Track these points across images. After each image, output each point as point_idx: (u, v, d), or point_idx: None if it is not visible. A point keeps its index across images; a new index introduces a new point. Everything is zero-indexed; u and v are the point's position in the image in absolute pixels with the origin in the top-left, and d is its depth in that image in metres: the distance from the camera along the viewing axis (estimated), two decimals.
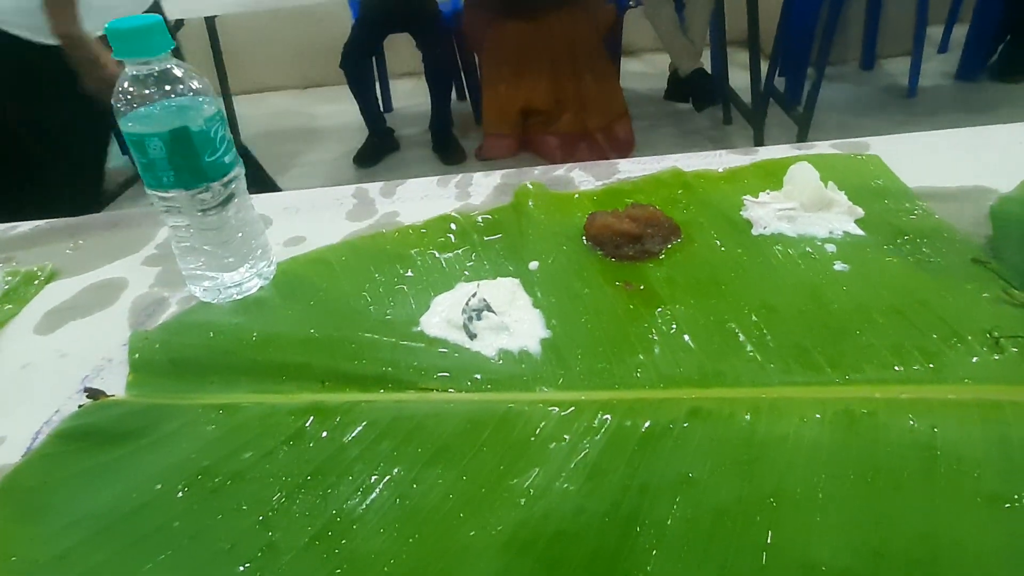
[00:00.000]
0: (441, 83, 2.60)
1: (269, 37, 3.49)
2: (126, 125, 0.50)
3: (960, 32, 2.78)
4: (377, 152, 2.65)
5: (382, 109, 2.79)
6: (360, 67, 2.56)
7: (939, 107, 2.55)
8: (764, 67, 2.40)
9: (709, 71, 2.57)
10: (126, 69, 0.50)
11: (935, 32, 2.89)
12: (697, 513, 0.35)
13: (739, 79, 2.51)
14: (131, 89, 0.50)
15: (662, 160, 0.70)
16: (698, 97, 2.58)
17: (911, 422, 0.38)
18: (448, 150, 2.60)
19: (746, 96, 2.39)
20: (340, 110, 3.07)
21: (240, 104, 2.92)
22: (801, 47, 2.57)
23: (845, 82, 2.86)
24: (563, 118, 2.46)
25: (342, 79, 2.56)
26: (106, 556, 0.36)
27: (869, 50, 2.96)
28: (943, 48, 2.98)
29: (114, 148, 2.75)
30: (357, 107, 2.61)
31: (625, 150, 2.43)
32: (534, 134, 2.51)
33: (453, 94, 2.80)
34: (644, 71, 3.21)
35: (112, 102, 0.50)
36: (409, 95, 3.21)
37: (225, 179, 0.53)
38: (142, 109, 0.50)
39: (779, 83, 2.63)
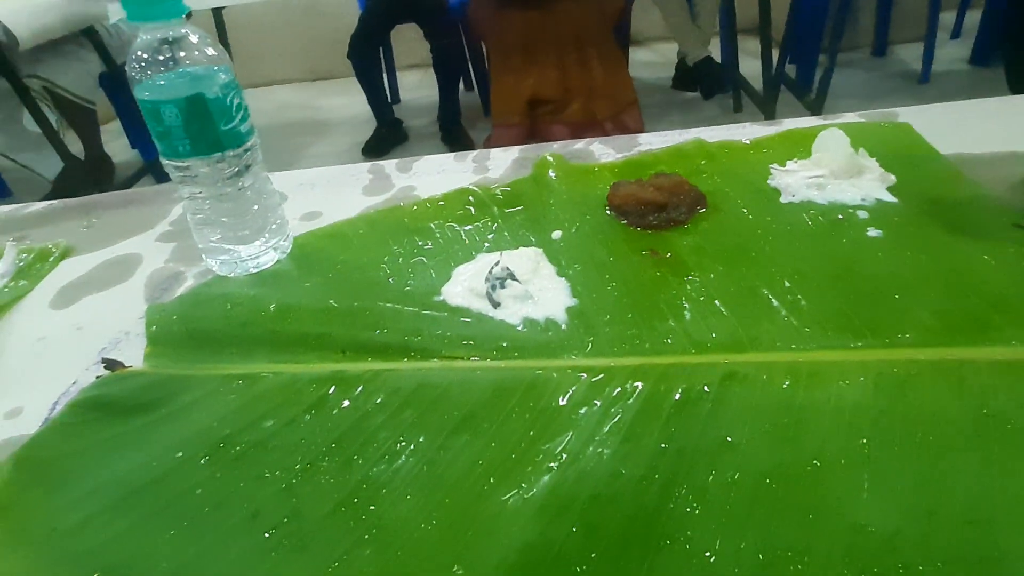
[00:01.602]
0: (449, 73, 2.59)
1: (276, 30, 3.48)
2: (141, 93, 0.49)
3: (973, 17, 2.75)
4: (386, 143, 2.64)
5: (389, 100, 2.78)
6: (368, 58, 2.55)
7: (952, 93, 2.51)
8: (775, 55, 2.37)
9: (719, 59, 2.54)
10: (140, 35, 0.49)
11: (948, 18, 2.85)
12: (738, 477, 0.34)
13: (749, 67, 2.48)
14: (145, 56, 0.49)
15: (684, 133, 0.68)
16: (706, 85, 2.56)
17: (960, 383, 0.36)
18: (456, 141, 2.59)
19: (757, 84, 2.37)
20: (348, 102, 3.06)
21: (248, 97, 2.92)
22: (812, 34, 2.54)
23: (857, 68, 2.83)
24: (572, 107, 2.44)
25: (350, 71, 2.55)
26: (127, 524, 0.35)
27: (881, 36, 2.93)
28: (956, 34, 2.94)
29: (124, 141, 2.77)
30: (365, 99, 2.60)
31: None
32: (543, 123, 2.48)
33: (461, 84, 2.78)
34: (653, 60, 3.18)
35: (126, 69, 0.49)
36: (416, 87, 3.20)
37: (241, 148, 0.52)
38: (157, 77, 0.49)
39: (790, 71, 2.60)
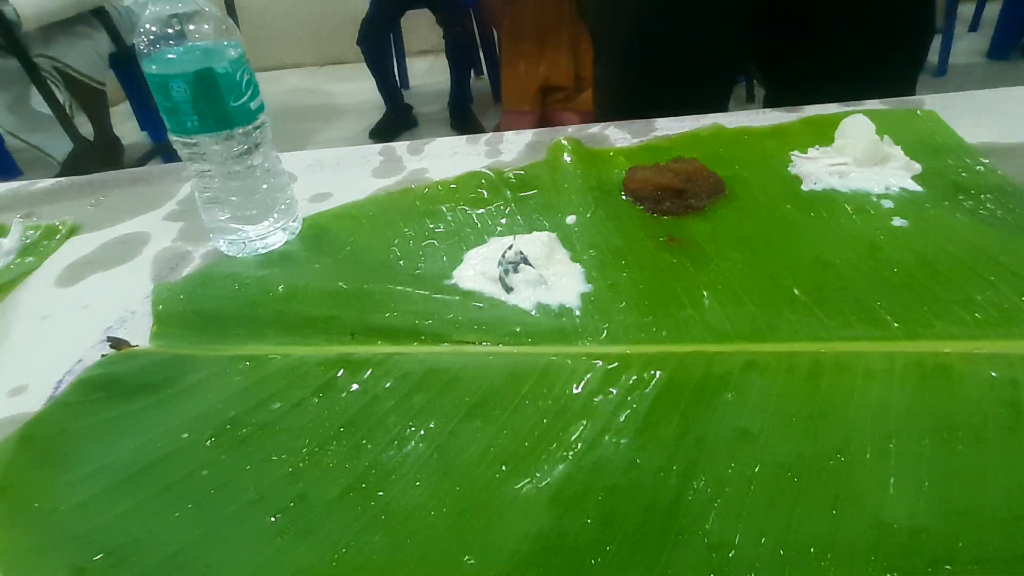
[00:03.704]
0: (460, 59, 2.57)
1: (287, 14, 3.46)
2: (149, 67, 0.48)
3: (992, 10, 2.70)
4: (394, 128, 2.62)
5: (399, 86, 2.76)
6: (378, 43, 2.53)
7: (970, 86, 2.47)
8: None
9: None
10: (149, 9, 0.48)
11: (966, 10, 2.81)
12: (758, 469, 0.33)
13: None
14: (153, 29, 0.48)
15: (701, 118, 0.67)
16: None
17: (991, 375, 0.35)
18: (466, 127, 2.57)
19: None
20: (357, 88, 3.05)
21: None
22: None
23: None
24: (583, 95, 2.42)
25: (360, 57, 2.53)
26: (130, 505, 0.34)
27: None
28: (974, 26, 2.90)
29: (133, 123, 2.76)
30: (374, 85, 2.58)
31: None
32: (553, 111, 2.47)
33: (472, 71, 2.76)
34: None
35: (134, 42, 0.48)
36: (426, 73, 3.18)
37: (251, 126, 0.51)
38: (166, 50, 0.48)
39: None
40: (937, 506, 0.30)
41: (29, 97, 2.16)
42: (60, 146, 2.23)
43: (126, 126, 2.73)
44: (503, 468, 0.34)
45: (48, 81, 2.06)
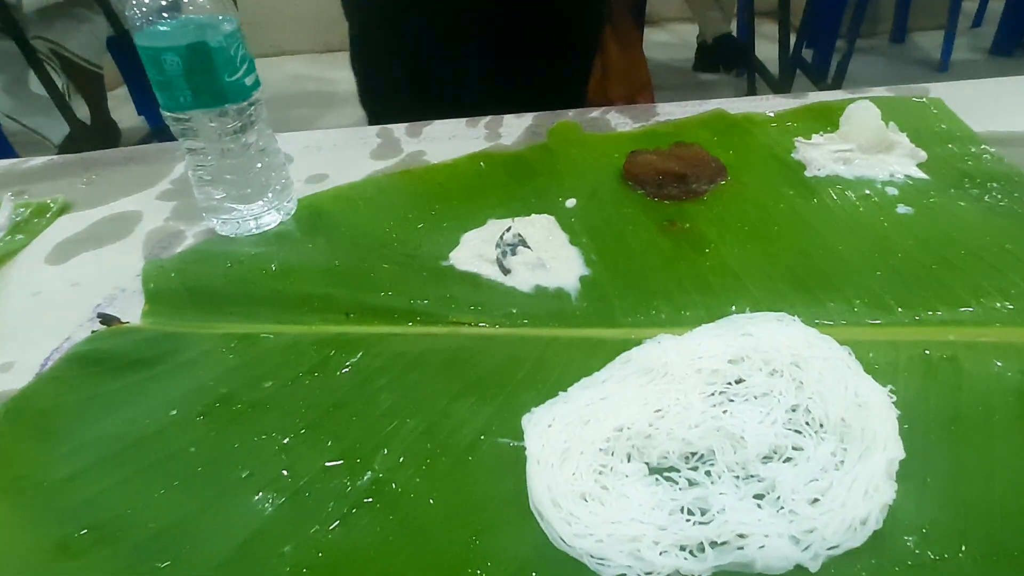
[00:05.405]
0: None
1: (287, 0, 3.43)
2: (141, 40, 0.47)
3: (996, 6, 2.69)
4: None
5: None
6: None
7: None
8: (792, 38, 2.33)
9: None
10: None
11: (969, 6, 2.79)
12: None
13: (766, 50, 2.44)
14: (147, 2, 0.47)
15: (704, 103, 0.66)
16: (727, 61, 2.52)
17: (997, 365, 0.34)
18: None
19: (773, 68, 2.32)
20: None
21: (256, 67, 2.88)
22: (831, 18, 2.48)
23: (875, 55, 2.78)
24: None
25: None
26: (117, 480, 0.34)
27: (900, 23, 2.86)
28: (977, 22, 2.88)
29: (130, 108, 2.74)
30: None
31: None
32: None
33: None
34: (668, 41, 3.13)
35: (127, 14, 0.47)
36: None
37: (246, 103, 0.50)
38: (159, 23, 0.47)
39: (806, 55, 2.55)
40: (945, 497, 0.29)
41: (26, 80, 2.15)
42: (57, 129, 2.21)
43: (123, 110, 2.71)
44: (495, 443, 0.34)
45: (45, 64, 2.04)
